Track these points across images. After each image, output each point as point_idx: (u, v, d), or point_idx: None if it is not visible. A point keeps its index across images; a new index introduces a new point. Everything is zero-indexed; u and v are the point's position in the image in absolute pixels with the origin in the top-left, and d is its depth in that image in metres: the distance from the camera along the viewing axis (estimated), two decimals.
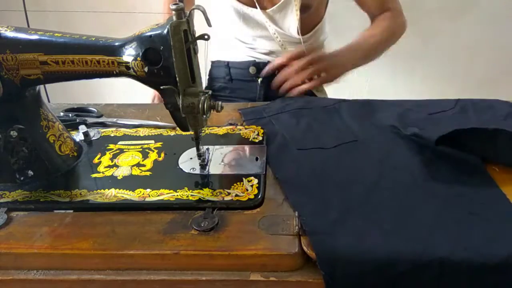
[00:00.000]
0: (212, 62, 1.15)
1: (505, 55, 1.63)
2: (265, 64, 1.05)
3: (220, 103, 0.60)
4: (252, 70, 1.07)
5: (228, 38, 1.10)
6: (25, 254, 0.52)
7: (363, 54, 1.01)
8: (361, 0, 1.07)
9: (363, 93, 1.69)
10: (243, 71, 1.09)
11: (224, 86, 1.11)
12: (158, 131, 0.76)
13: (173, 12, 0.54)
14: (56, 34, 0.59)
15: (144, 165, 0.67)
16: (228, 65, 1.11)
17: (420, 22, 1.49)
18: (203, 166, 0.65)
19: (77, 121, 0.79)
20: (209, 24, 0.58)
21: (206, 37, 0.57)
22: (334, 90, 1.10)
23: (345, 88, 1.14)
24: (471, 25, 1.58)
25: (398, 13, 1.08)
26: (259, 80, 1.07)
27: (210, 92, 0.60)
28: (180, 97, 0.58)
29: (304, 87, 0.91)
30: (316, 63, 0.92)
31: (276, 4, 0.99)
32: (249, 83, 1.09)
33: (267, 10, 1.01)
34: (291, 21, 1.00)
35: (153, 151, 0.70)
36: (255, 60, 1.07)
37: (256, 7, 1.00)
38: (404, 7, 1.09)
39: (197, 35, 0.57)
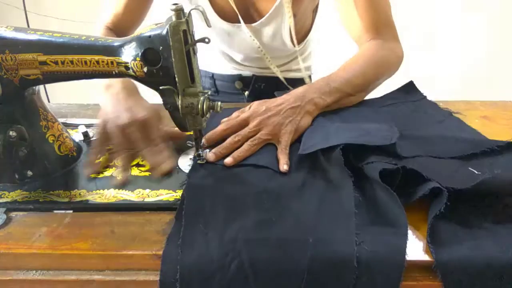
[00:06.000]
0: None
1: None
2: (251, 78, 1.02)
3: (219, 103, 0.60)
4: (238, 84, 1.05)
5: (214, 51, 1.06)
6: (24, 255, 0.52)
7: (334, 93, 0.74)
8: (348, 21, 0.87)
9: None
10: (229, 84, 1.07)
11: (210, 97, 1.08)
12: None
13: (173, 12, 0.54)
14: (56, 34, 0.59)
15: (143, 166, 0.67)
16: (213, 76, 1.08)
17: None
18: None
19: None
20: (209, 25, 0.58)
21: (206, 40, 0.57)
22: None
23: None
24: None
25: (393, 40, 0.85)
26: (246, 93, 1.05)
27: (209, 92, 0.60)
28: (180, 97, 0.58)
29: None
30: (262, 128, 0.67)
31: (264, 16, 0.91)
32: (235, 96, 1.07)
33: (254, 24, 0.93)
34: (284, 30, 0.93)
35: None
36: (241, 74, 1.04)
37: (240, 22, 0.92)
38: None
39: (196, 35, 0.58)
